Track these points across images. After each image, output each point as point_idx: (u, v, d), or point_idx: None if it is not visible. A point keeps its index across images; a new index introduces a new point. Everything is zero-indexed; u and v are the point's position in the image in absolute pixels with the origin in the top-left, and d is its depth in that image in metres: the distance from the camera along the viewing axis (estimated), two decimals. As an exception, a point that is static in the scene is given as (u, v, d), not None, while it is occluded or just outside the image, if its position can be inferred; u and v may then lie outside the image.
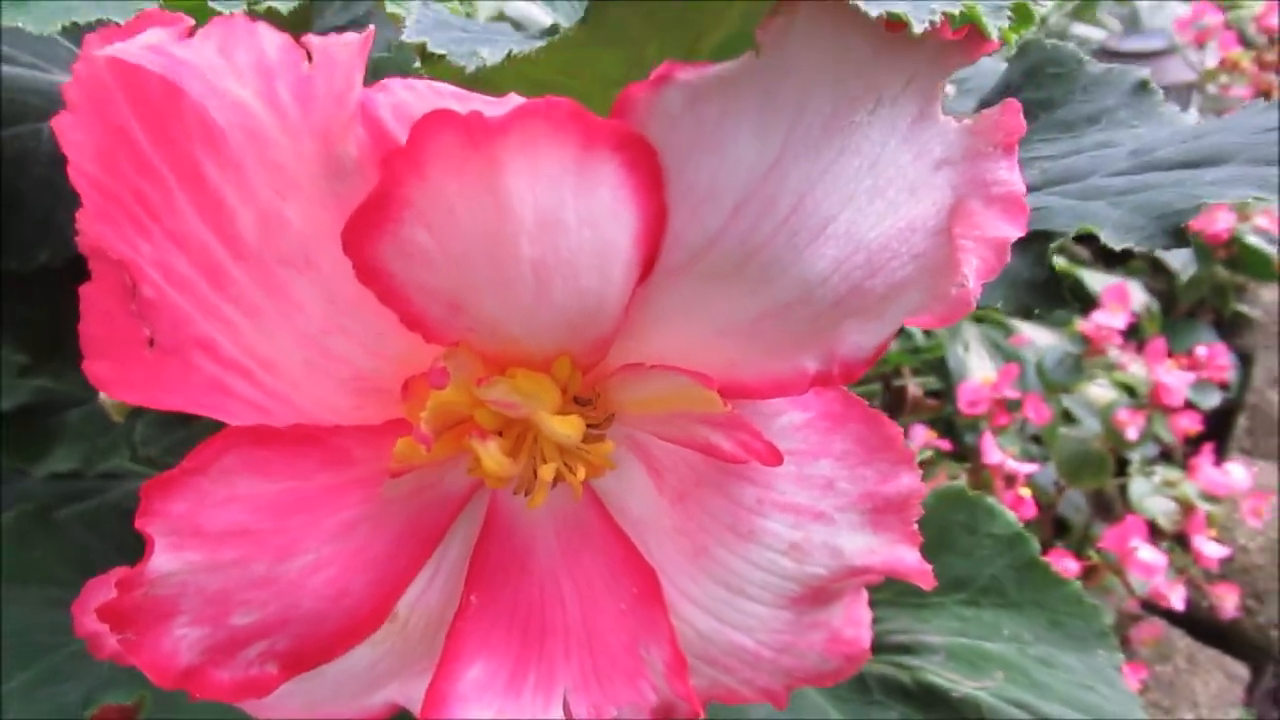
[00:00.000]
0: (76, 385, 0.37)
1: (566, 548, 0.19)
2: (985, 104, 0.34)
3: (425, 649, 0.20)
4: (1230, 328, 1.41)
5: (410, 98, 0.15)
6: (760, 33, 0.15)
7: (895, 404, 1.08)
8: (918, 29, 0.14)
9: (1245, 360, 1.34)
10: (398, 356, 0.17)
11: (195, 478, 0.16)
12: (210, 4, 0.23)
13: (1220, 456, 1.19)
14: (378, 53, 0.37)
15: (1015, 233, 0.17)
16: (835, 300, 0.16)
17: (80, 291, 0.17)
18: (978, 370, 0.94)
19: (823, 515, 0.19)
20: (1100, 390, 0.87)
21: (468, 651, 0.19)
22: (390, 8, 0.26)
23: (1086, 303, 0.91)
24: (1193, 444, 1.09)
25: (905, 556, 0.20)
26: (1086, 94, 0.31)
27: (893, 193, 0.16)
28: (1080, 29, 1.63)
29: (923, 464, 0.90)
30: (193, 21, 0.15)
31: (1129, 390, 0.96)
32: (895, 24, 0.14)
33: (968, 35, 0.15)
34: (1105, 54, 1.48)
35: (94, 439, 0.38)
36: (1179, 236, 0.22)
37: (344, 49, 0.14)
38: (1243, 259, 1.32)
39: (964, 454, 0.89)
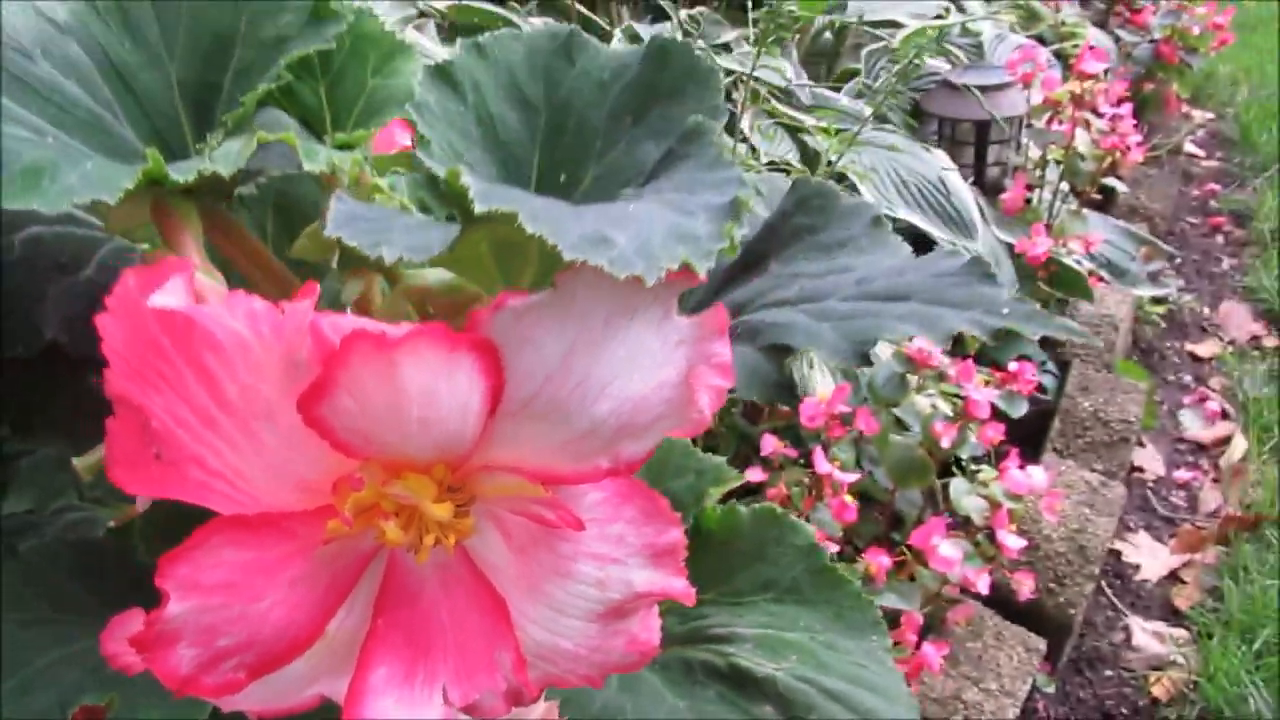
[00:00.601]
0: (35, 444, 0.44)
1: (444, 586, 0.28)
2: (770, 224, 0.44)
3: (345, 657, 0.28)
4: (1053, 338, 1.58)
5: (343, 321, 0.23)
6: (557, 277, 0.24)
7: (753, 413, 1.20)
8: (650, 281, 0.24)
9: (1064, 367, 1.50)
10: (329, 469, 0.25)
11: (193, 551, 0.25)
12: (169, 172, 0.31)
13: (1037, 456, 1.34)
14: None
15: (726, 384, 0.26)
16: (614, 431, 0.26)
17: (107, 424, 0.25)
18: (820, 387, 1.06)
19: (618, 560, 0.29)
20: (922, 402, 1.00)
21: (375, 659, 0.28)
22: (308, 166, 0.35)
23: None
24: (1019, 443, 1.24)
25: (675, 584, 0.29)
26: (840, 222, 0.41)
27: (648, 364, 0.26)
28: (931, 61, 1.77)
29: (772, 469, 1.01)
30: (196, 266, 0.23)
31: (958, 398, 1.10)
32: (637, 279, 0.24)
33: (684, 273, 0.25)
34: (947, 86, 1.62)
35: (45, 484, 0.45)
36: (867, 358, 0.32)
37: (305, 304, 0.23)
38: (1062, 278, 1.48)
39: (809, 461, 1.01)
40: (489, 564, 0.29)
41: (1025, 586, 0.97)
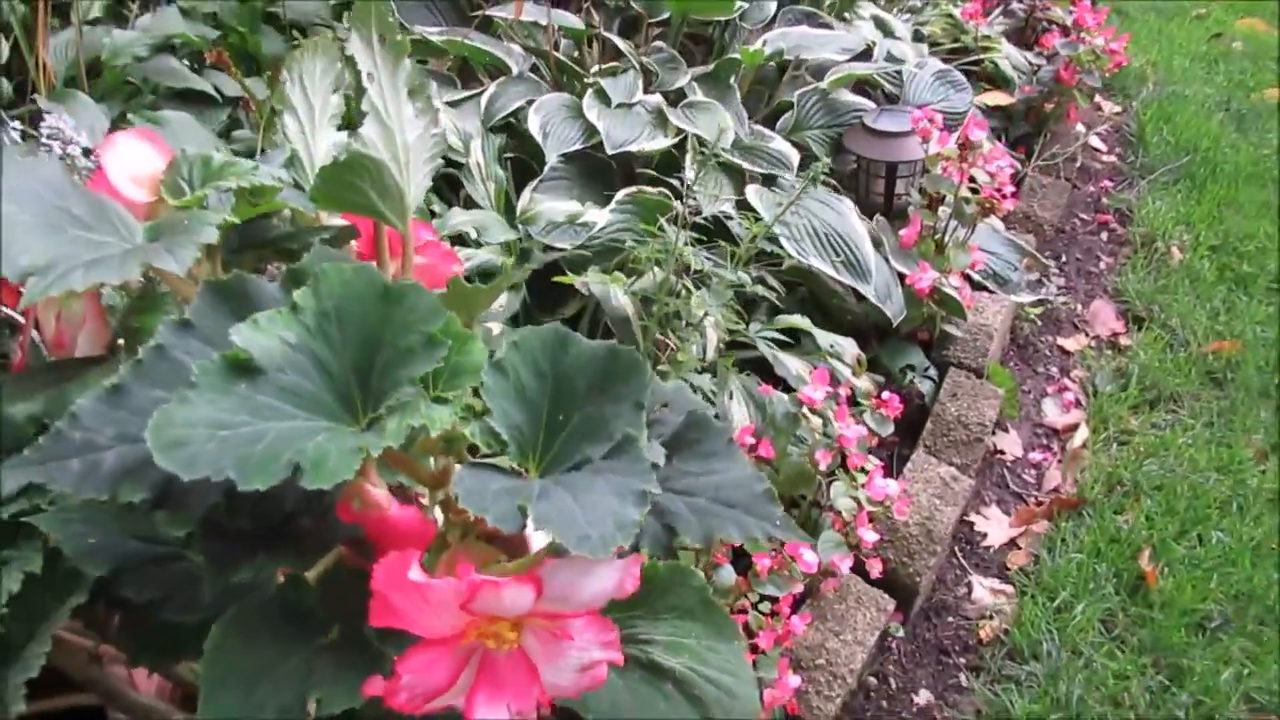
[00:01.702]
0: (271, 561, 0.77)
1: (509, 659, 0.63)
2: (676, 433, 0.78)
3: (463, 690, 0.63)
4: (939, 343, 1.93)
5: (475, 576, 0.57)
6: (569, 557, 0.58)
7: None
8: (607, 555, 0.57)
9: (942, 372, 1.86)
10: (467, 620, 0.59)
11: (409, 654, 0.59)
12: (371, 451, 0.64)
13: (911, 451, 1.71)
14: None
15: (636, 583, 0.60)
16: (586, 603, 0.60)
17: (372, 603, 0.59)
18: (737, 416, 1.41)
19: (585, 648, 0.63)
20: (808, 431, 1.36)
21: (477, 690, 0.62)
22: (434, 432, 0.68)
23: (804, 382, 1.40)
24: (907, 435, 1.61)
25: (614, 655, 0.64)
26: (712, 439, 0.74)
27: (604, 581, 0.60)
28: (850, 97, 2.08)
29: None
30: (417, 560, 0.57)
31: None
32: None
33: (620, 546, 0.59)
34: (864, 128, 1.94)
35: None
36: (710, 541, 0.66)
37: (466, 578, 0.56)
38: (945, 302, 1.83)
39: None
40: (528, 650, 0.63)
41: (875, 568, 1.35)
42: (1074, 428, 1.97)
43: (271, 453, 0.60)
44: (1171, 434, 1.88)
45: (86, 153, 1.43)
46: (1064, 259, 2.43)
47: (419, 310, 0.70)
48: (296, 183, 1.05)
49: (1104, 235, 2.55)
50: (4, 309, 0.97)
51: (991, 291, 2.04)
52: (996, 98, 2.47)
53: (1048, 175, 2.52)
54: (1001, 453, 1.91)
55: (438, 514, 0.70)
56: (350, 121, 1.10)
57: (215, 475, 0.58)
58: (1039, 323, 2.20)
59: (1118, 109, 3.11)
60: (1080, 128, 2.69)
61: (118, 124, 1.77)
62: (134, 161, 0.94)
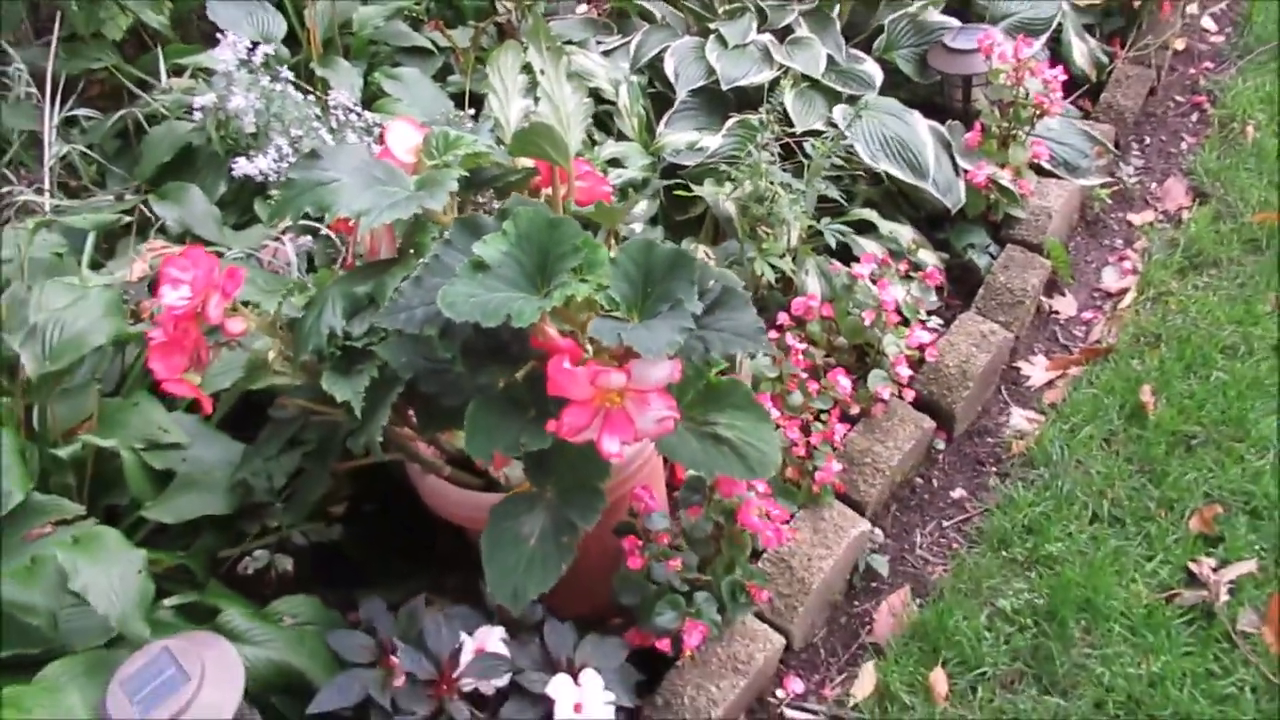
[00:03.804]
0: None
1: (620, 411, 1.21)
2: (716, 297, 1.32)
3: (595, 429, 1.22)
4: (1005, 224, 2.35)
5: (592, 364, 1.16)
6: (640, 358, 1.16)
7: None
8: (667, 356, 1.14)
9: (1002, 245, 2.30)
10: (594, 390, 1.18)
11: (567, 408, 1.19)
12: (546, 304, 1.23)
13: (966, 309, 2.18)
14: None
15: (671, 415, 1.18)
16: (656, 381, 1.18)
17: (549, 386, 1.19)
18: (811, 286, 1.94)
19: (660, 407, 1.21)
20: (862, 296, 1.87)
21: (604, 428, 1.21)
22: (579, 297, 1.27)
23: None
24: (964, 298, 2.10)
25: (675, 413, 1.22)
26: (736, 299, 1.27)
27: (664, 372, 1.17)
28: (937, 17, 2.47)
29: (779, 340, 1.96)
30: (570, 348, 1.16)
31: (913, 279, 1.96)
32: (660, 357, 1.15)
33: (673, 355, 1.15)
34: (943, 47, 2.35)
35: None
36: (727, 354, 1.20)
37: (592, 367, 1.15)
38: (1003, 191, 2.25)
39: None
40: (628, 409, 1.21)
41: (908, 396, 1.87)
42: (1126, 291, 2.36)
43: (497, 307, 1.19)
44: (1202, 294, 2.26)
45: (348, 110, 2.08)
46: (1147, 141, 2.75)
47: (570, 231, 1.28)
48: (499, 139, 1.66)
49: (1194, 117, 2.83)
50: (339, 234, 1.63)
51: (1059, 178, 2.43)
52: (1089, -3, 2.77)
53: (1138, 65, 2.81)
54: (1057, 313, 2.33)
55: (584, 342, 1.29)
56: (532, 87, 1.69)
57: (470, 319, 1.17)
58: (1110, 202, 2.56)
59: (1235, -13, 3.27)
60: (1177, 17, 2.93)
61: (368, 78, 2.41)
62: (404, 138, 1.56)
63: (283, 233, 1.96)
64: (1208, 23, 3.13)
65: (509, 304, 1.21)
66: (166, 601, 1.48)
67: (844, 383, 1.78)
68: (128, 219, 2.06)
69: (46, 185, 2.18)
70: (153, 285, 1.92)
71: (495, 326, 1.19)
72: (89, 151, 2.30)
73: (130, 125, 2.29)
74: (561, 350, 1.26)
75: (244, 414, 1.72)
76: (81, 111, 2.37)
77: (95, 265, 1.96)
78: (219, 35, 2.06)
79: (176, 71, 2.38)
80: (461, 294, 1.20)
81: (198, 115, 2.01)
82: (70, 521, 1.47)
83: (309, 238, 1.84)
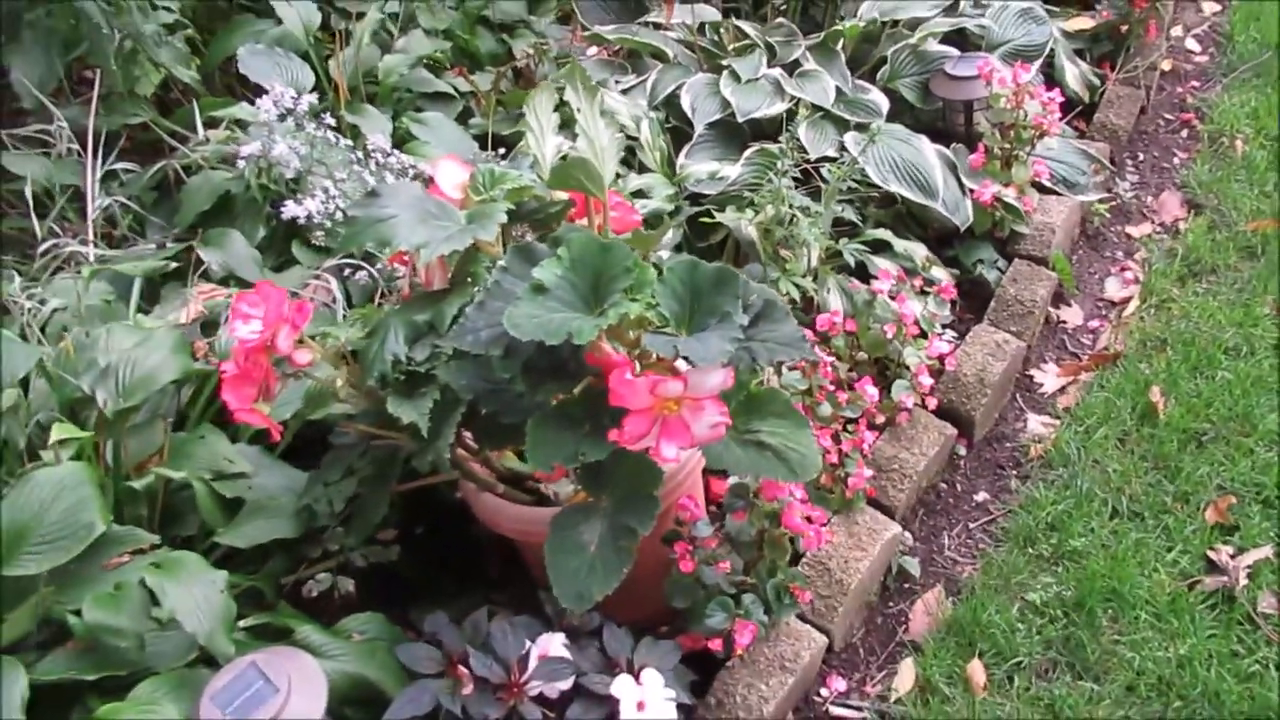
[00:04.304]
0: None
1: (677, 419, 1.30)
2: (759, 311, 1.42)
3: (654, 436, 1.31)
4: (1011, 240, 2.46)
5: (653, 377, 1.24)
6: (697, 368, 1.25)
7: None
8: (719, 364, 1.23)
9: (1009, 260, 2.40)
10: (653, 400, 1.27)
11: (628, 418, 1.27)
12: (602, 324, 1.32)
13: (978, 322, 2.28)
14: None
15: (730, 385, 1.26)
16: (709, 390, 1.26)
17: (610, 399, 1.28)
18: (833, 303, 2.03)
19: (714, 414, 1.30)
20: (882, 311, 1.96)
21: (662, 435, 1.29)
22: (624, 314, 1.36)
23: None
24: (975, 312, 2.19)
25: (726, 419, 1.30)
26: (778, 311, 1.36)
27: (716, 383, 1.26)
28: (937, 47, 2.59)
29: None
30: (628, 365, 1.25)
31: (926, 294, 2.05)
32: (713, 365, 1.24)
33: (725, 364, 1.24)
34: (944, 74, 2.46)
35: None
36: (773, 363, 1.29)
37: (652, 377, 1.24)
38: (1008, 209, 2.36)
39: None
40: (684, 417, 1.29)
41: (931, 404, 1.96)
42: (1129, 300, 2.46)
43: (558, 326, 1.28)
44: (1203, 299, 2.36)
45: (386, 154, 2.19)
46: (1141, 158, 2.86)
47: (620, 253, 1.37)
48: (537, 175, 1.76)
49: (1184, 133, 2.95)
50: (399, 266, 1.72)
51: (1060, 194, 2.53)
52: (1079, 23, 2.90)
53: (1128, 86, 2.94)
54: (1064, 322, 2.43)
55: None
56: (565, 123, 1.80)
57: (534, 337, 1.26)
58: (1109, 216, 2.67)
59: (1218, 8, 3.42)
60: (1162, 40, 3.06)
61: (395, 123, 2.51)
62: (452, 175, 1.66)
63: (322, 273, 2.06)
64: (1192, 44, 3.27)
65: (568, 323, 1.30)
66: (240, 623, 1.55)
67: (871, 391, 1.87)
68: (174, 264, 2.16)
69: (91, 236, 2.27)
70: (204, 326, 2.01)
71: (555, 345, 1.29)
72: (128, 203, 2.39)
73: (170, 176, 2.39)
74: (619, 364, 1.35)
75: (297, 445, 1.80)
76: (120, 165, 2.47)
77: (140, 311, 2.05)
78: (243, 89, 2.16)
79: (209, 124, 2.48)
80: (525, 315, 1.29)
81: (241, 164, 2.11)
82: (145, 551, 1.55)
83: (363, 272, 1.93)
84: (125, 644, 1.42)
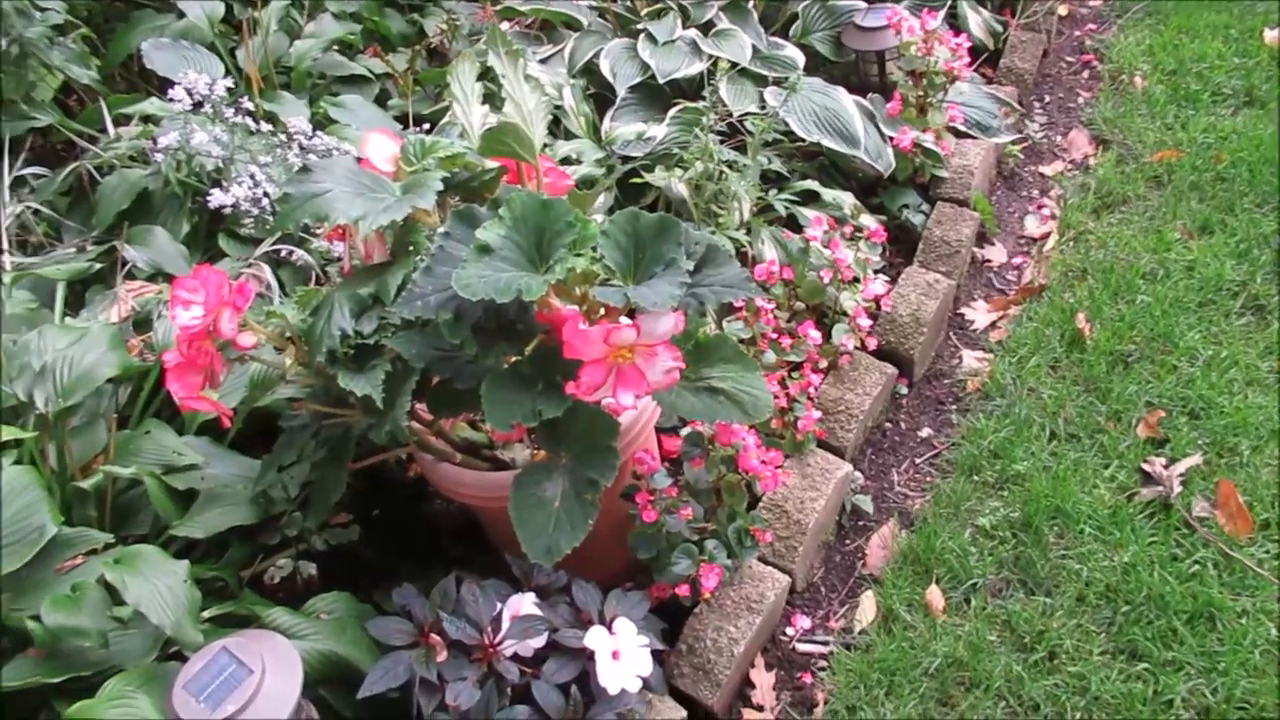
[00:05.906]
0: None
1: (632, 367, 1.32)
2: (703, 256, 1.44)
3: (610, 387, 1.32)
4: (933, 185, 2.52)
5: (606, 325, 1.26)
6: (646, 313, 1.26)
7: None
8: (670, 308, 1.25)
9: (932, 204, 2.46)
10: (607, 348, 1.29)
11: (584, 367, 1.29)
12: (549, 279, 1.33)
13: (908, 265, 2.33)
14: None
15: (678, 365, 1.29)
16: (661, 335, 1.28)
17: (564, 347, 1.29)
18: (768, 254, 2.07)
19: (666, 359, 1.32)
20: (816, 259, 2.00)
21: (618, 384, 1.31)
22: (558, 276, 1.37)
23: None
24: (905, 255, 2.24)
25: (680, 364, 1.32)
26: (721, 256, 1.39)
27: (667, 327, 1.28)
28: (845, 1, 2.64)
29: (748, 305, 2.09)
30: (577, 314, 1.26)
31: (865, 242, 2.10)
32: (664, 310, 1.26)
33: (674, 308, 1.26)
34: (855, 27, 2.51)
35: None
36: (720, 305, 1.31)
37: (607, 325, 1.26)
38: (927, 154, 2.42)
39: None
40: (639, 364, 1.31)
41: (871, 344, 2.01)
42: (1048, 235, 2.55)
43: (508, 284, 1.29)
44: (1118, 229, 2.45)
45: (309, 136, 2.15)
46: (1047, 100, 2.95)
47: (561, 210, 1.38)
48: (466, 145, 1.75)
49: (1086, 74, 3.05)
50: (333, 242, 1.70)
51: (974, 138, 2.60)
52: (979, -29, 2.97)
53: (1030, 31, 3.02)
54: (989, 261, 2.51)
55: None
56: (488, 96, 1.80)
57: (485, 296, 1.26)
58: (1022, 157, 2.75)
59: (1107, -46, 3.53)
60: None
61: (312, 108, 2.47)
62: (382, 149, 1.65)
63: (254, 261, 2.02)
64: (1087, -12, 3.37)
65: (517, 280, 1.30)
66: (205, 614, 1.54)
67: (814, 334, 1.91)
68: (98, 266, 2.10)
69: (4, 244, 2.20)
70: (137, 324, 1.97)
71: (503, 305, 1.29)
72: (40, 208, 2.32)
73: (83, 177, 2.33)
74: (569, 319, 1.36)
75: (247, 433, 1.78)
76: (29, 171, 2.39)
77: (66, 316, 2.00)
78: (147, 86, 2.11)
79: (119, 122, 2.42)
80: (473, 275, 1.29)
81: (158, 158, 2.07)
82: (98, 551, 1.52)
83: (298, 255, 1.91)
84: (89, 644, 1.40)
